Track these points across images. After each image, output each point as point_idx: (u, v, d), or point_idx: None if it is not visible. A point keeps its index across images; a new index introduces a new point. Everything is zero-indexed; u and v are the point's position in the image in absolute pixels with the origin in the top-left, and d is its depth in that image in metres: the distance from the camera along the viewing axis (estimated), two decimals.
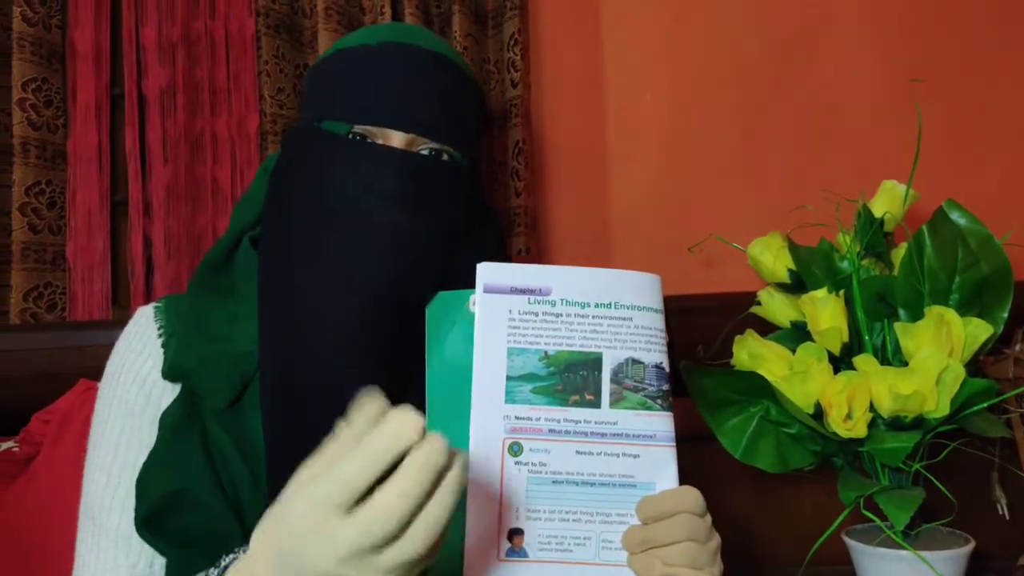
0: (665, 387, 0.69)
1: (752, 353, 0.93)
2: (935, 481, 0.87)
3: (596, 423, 0.67)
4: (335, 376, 0.68)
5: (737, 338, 0.94)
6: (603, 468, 0.67)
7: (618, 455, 0.67)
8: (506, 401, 0.66)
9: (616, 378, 0.67)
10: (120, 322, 0.86)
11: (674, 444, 0.68)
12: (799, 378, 0.86)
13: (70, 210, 1.41)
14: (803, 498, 1.11)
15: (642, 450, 0.67)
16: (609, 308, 0.68)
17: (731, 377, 0.91)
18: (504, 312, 0.67)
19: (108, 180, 1.42)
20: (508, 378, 0.66)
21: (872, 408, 0.85)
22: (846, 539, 0.89)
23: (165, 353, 0.73)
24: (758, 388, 0.90)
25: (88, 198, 1.41)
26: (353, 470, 0.44)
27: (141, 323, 0.77)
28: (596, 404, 0.67)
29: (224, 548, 0.65)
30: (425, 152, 0.74)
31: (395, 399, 0.62)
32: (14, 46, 1.38)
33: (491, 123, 1.36)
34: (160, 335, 0.75)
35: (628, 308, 0.69)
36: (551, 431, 0.66)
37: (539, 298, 0.68)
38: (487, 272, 0.68)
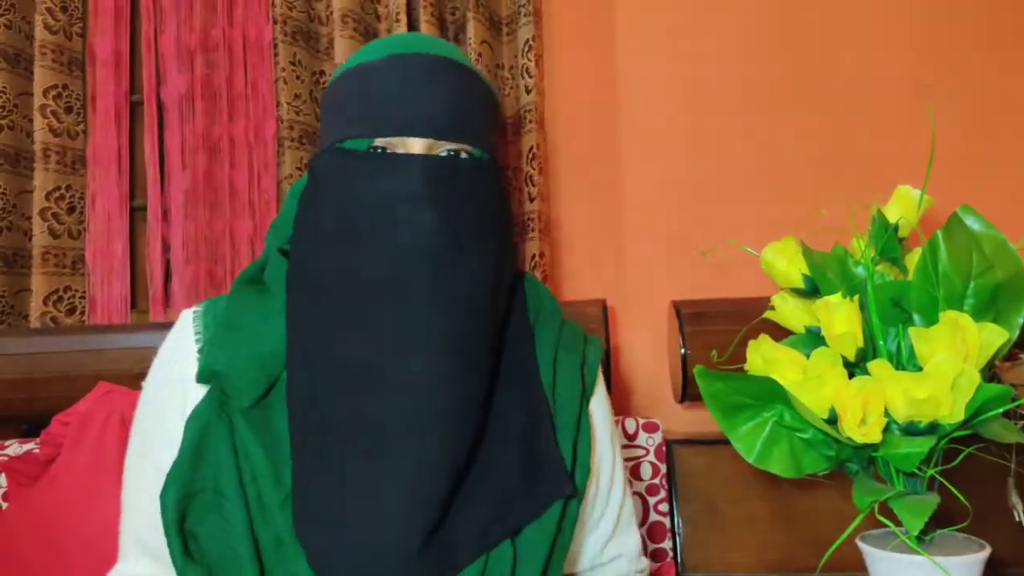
0: None
1: (766, 358, 0.92)
2: (950, 487, 0.87)
3: None
4: (403, 385, 0.70)
5: (751, 343, 0.94)
6: None
7: None
8: None
9: None
10: (138, 326, 0.87)
11: None
12: (813, 383, 0.86)
13: (89, 215, 1.42)
14: (817, 503, 1.11)
15: None
16: None
17: (745, 382, 0.91)
18: None
19: (127, 185, 1.44)
20: None
21: (887, 413, 0.84)
22: (860, 544, 0.89)
23: (200, 358, 0.75)
24: (772, 393, 0.90)
25: (107, 203, 1.43)
26: None
27: (180, 328, 0.80)
28: None
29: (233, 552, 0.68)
30: (444, 154, 0.75)
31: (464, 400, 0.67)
32: (36, 54, 1.40)
33: (505, 125, 1.37)
34: (197, 340, 0.77)
35: None
36: None
37: None
38: None
